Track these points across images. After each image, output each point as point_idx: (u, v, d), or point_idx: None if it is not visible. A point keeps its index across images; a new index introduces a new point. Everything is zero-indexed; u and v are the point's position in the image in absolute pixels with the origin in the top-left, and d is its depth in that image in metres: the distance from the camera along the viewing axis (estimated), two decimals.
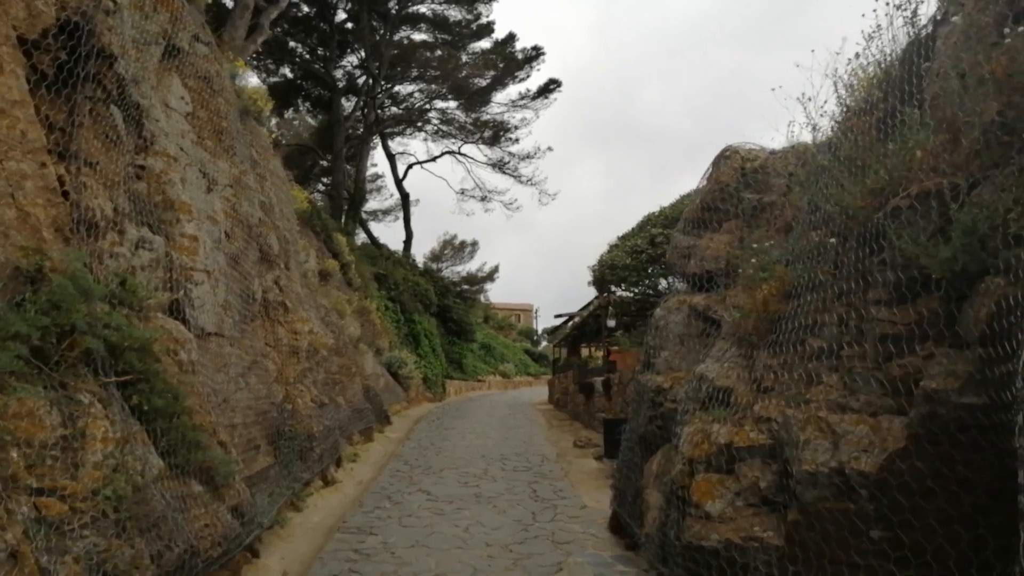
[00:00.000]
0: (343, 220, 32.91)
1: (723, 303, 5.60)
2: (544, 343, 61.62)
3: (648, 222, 10.71)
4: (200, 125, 7.45)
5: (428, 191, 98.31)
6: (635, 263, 10.26)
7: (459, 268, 52.66)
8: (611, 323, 14.00)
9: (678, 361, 5.75)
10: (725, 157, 6.01)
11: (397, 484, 9.05)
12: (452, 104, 38.81)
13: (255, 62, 36.05)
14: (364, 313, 18.34)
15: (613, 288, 11.80)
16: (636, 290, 10.95)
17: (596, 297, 19.07)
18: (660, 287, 10.65)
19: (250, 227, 8.01)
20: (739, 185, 5.83)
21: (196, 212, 6.33)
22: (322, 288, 15.81)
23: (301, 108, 41.56)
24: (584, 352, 22.00)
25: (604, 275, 10.89)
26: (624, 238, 11.15)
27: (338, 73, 36.92)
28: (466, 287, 48.47)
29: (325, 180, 40.93)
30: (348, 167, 37.42)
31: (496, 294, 59.62)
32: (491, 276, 56.34)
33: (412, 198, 40.08)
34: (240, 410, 6.83)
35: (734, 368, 4.70)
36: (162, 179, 6.06)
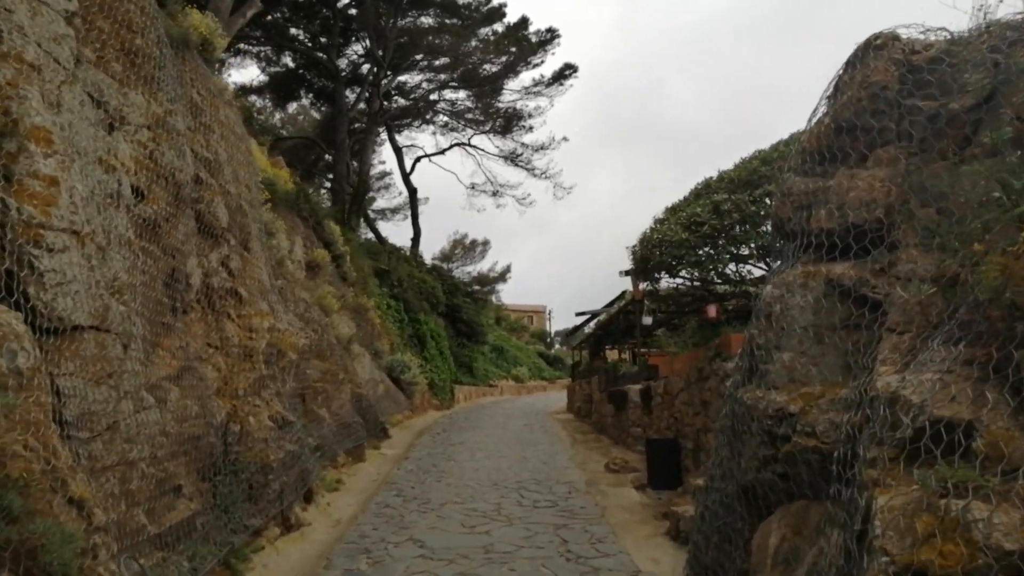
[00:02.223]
0: (346, 215, 30.99)
1: (887, 274, 3.43)
2: (558, 345, 59.46)
3: (707, 188, 8.44)
4: (102, 40, 5.38)
5: (438, 191, 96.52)
6: (693, 238, 7.98)
7: (470, 268, 50.72)
8: (647, 320, 11.81)
9: (809, 368, 3.57)
10: (875, 48, 3.82)
11: (383, 528, 6.93)
12: (462, 94, 36.84)
13: (253, 48, 34.31)
14: (360, 311, 16.27)
15: (657, 276, 9.53)
16: (696, 273, 8.65)
17: (624, 292, 16.87)
18: (728, 270, 8.36)
19: (179, 186, 5.92)
20: (903, 88, 3.65)
21: (63, 145, 4.24)
22: (310, 281, 13.77)
23: (304, 100, 39.76)
24: (609, 355, 19.72)
25: (649, 256, 8.65)
26: (674, 209, 8.85)
27: (342, 63, 35.04)
28: (477, 288, 46.38)
29: (330, 176, 39.01)
30: (353, 163, 35.52)
31: (509, 295, 57.73)
32: (503, 276, 54.38)
33: (421, 196, 38.10)
34: (145, 439, 4.72)
35: (962, 382, 2.52)
36: (5, 92, 3.98)
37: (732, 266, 8.48)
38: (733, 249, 7.87)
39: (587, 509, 7.63)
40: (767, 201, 7.36)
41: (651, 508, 7.76)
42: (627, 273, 11.20)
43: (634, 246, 9.54)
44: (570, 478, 9.44)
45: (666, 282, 10.19)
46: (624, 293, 16.34)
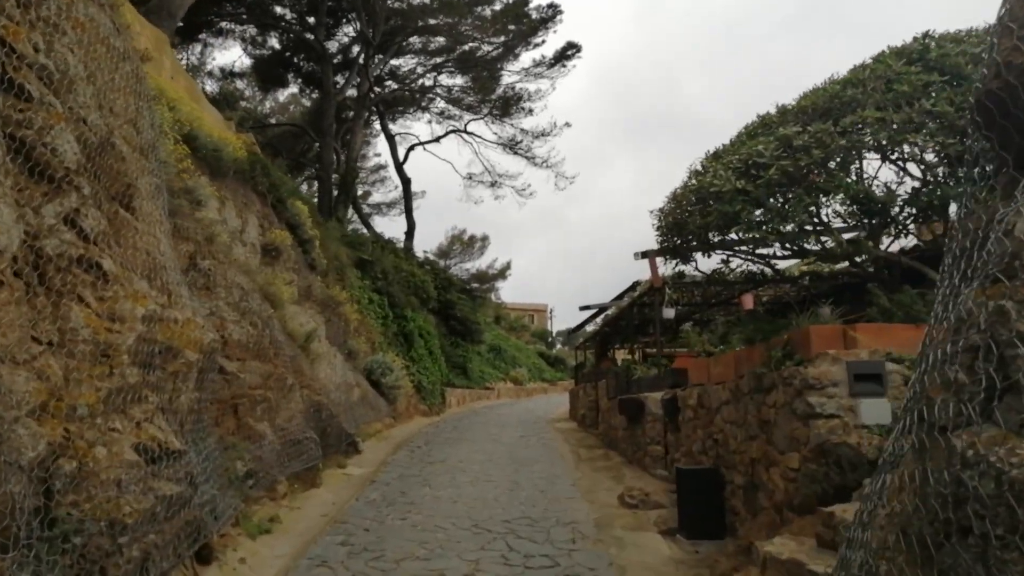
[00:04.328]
0: (333, 204, 28.93)
1: None
2: (559, 345, 57.28)
3: (765, 125, 6.03)
4: None
5: (437, 187, 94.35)
6: (754, 187, 5.52)
7: (469, 265, 48.67)
8: (669, 313, 9.63)
9: None
10: None
11: None
12: (458, 80, 34.77)
13: (236, 27, 32.20)
14: (331, 304, 14.10)
15: (691, 253, 7.20)
16: (755, 243, 6.18)
17: (636, 282, 14.72)
18: (804, 243, 5.92)
19: None
20: None
21: None
22: (268, 268, 11.62)
23: (292, 86, 37.68)
24: (618, 355, 17.46)
25: (683, 222, 6.27)
26: (718, 155, 6.42)
27: (331, 45, 32.99)
28: (476, 285, 44.15)
29: (318, 166, 36.93)
30: (343, 152, 33.44)
31: (510, 294, 55.76)
32: (503, 273, 52.32)
33: (419, 189, 36.08)
34: None
35: None
36: None
37: (817, 227, 6.03)
38: (807, 199, 5.37)
39: (599, 572, 5.45)
40: (863, 133, 5.09)
41: (688, 569, 5.59)
42: (644, 255, 9.00)
43: (660, 209, 7.19)
44: (574, 516, 7.26)
45: (702, 262, 7.77)
46: (636, 284, 14.14)
